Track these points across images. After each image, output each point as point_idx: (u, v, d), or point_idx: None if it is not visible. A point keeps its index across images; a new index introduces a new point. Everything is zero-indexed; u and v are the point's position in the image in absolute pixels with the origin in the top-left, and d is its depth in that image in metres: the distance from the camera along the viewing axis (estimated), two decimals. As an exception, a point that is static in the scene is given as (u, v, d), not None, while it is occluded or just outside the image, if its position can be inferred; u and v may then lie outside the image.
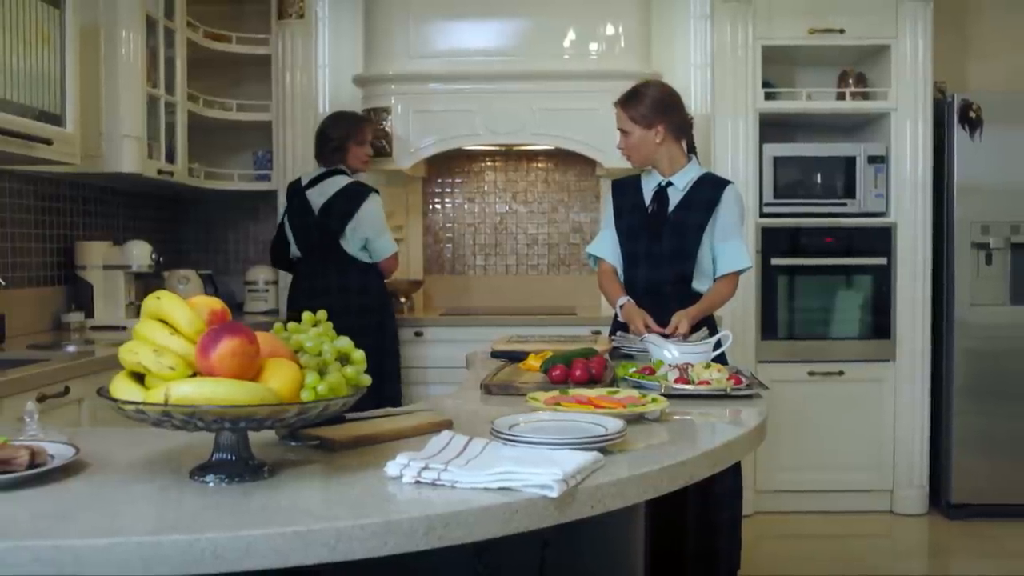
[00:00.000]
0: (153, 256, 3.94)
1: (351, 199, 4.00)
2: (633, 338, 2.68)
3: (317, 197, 4.05)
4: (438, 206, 5.09)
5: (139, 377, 1.25)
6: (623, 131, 3.04)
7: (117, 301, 3.88)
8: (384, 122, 4.44)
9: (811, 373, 4.43)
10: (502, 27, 4.49)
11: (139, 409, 1.16)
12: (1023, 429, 4.34)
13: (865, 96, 4.55)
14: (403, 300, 4.66)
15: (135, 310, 3.98)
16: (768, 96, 4.48)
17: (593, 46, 4.46)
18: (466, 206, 5.09)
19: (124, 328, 3.77)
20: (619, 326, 3.03)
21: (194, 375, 1.20)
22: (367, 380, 1.33)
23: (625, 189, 3.15)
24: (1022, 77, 4.75)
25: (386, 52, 4.50)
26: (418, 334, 4.38)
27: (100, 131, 3.58)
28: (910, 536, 4.27)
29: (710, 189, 3.03)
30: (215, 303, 1.30)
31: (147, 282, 4.14)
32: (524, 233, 5.10)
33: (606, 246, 3.12)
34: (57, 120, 3.12)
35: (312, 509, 1.15)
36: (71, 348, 3.22)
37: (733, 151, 4.46)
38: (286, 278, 4.60)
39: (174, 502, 1.17)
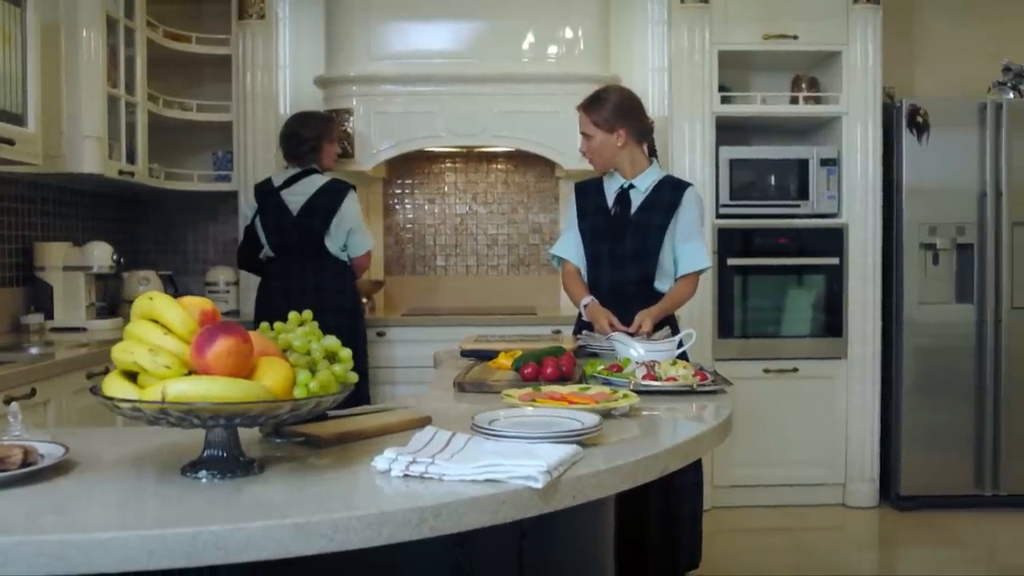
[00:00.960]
0: (114, 257, 3.92)
1: (333, 196, 4.01)
2: (599, 337, 2.75)
3: (293, 197, 4.04)
4: (399, 207, 5.12)
5: (131, 376, 1.27)
6: (585, 135, 3.10)
7: (78, 302, 3.85)
8: (346, 123, 4.46)
9: (766, 371, 4.54)
10: (463, 29, 4.53)
11: (136, 407, 1.19)
12: (969, 423, 4.49)
13: (817, 100, 4.67)
14: (365, 300, 4.68)
15: (95, 311, 3.96)
16: (724, 100, 4.58)
17: (553, 49, 4.52)
18: (426, 207, 5.13)
19: (85, 329, 3.76)
20: (583, 325, 3.09)
21: (189, 373, 1.23)
22: (354, 377, 1.37)
23: (587, 191, 3.22)
24: (967, 83, 4.90)
25: (347, 54, 4.52)
26: (380, 334, 4.41)
27: (61, 131, 3.55)
28: (861, 528, 4.39)
29: (671, 191, 3.11)
30: (205, 303, 1.33)
31: (107, 283, 4.12)
32: (484, 234, 5.15)
33: (569, 247, 3.18)
34: (19, 120, 3.10)
35: (306, 502, 1.19)
36: (33, 350, 3.20)
37: (690, 153, 4.55)
38: (247, 279, 4.61)
39: (169, 498, 1.20)
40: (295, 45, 4.82)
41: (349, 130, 4.47)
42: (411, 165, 5.03)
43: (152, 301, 1.28)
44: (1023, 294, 4.46)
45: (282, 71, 4.79)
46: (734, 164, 4.57)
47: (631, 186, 3.09)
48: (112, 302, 4.18)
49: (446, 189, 5.13)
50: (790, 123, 4.83)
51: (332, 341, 1.37)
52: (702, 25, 4.52)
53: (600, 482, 1.36)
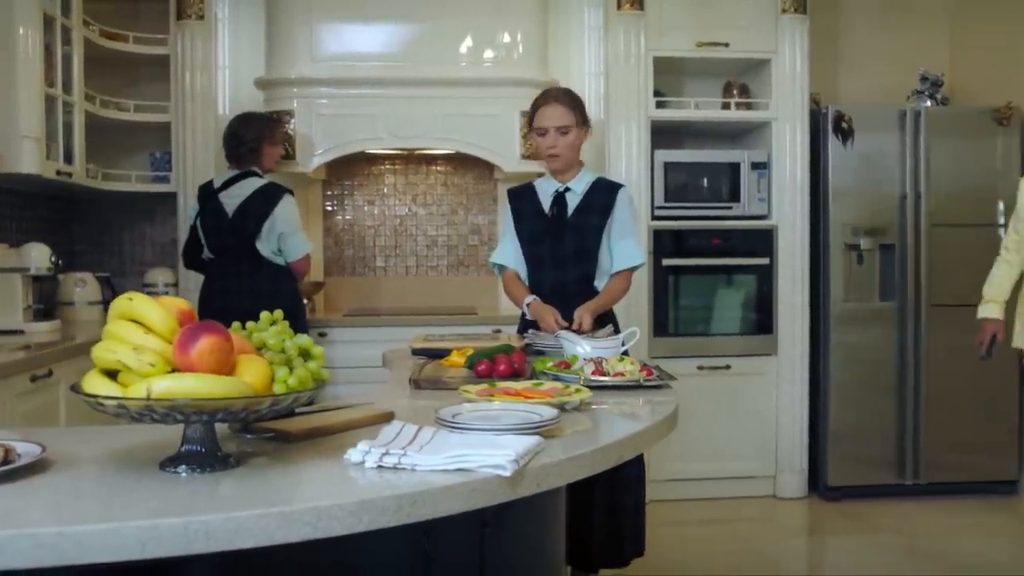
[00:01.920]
0: (52, 259, 3.88)
1: (267, 200, 4.00)
2: (545, 335, 2.83)
3: (230, 199, 4.04)
4: (339, 208, 5.14)
5: (111, 375, 1.31)
6: (562, 129, 3.11)
7: (15, 305, 3.78)
8: (286, 125, 4.48)
9: (700, 367, 4.68)
10: (403, 33, 4.58)
11: (121, 404, 1.23)
12: (891, 416, 4.69)
13: (748, 106, 4.83)
14: (306, 302, 4.69)
15: (32, 313, 3.90)
16: (659, 105, 4.71)
17: (493, 53, 4.60)
18: (366, 208, 5.16)
19: (23, 332, 3.70)
20: (528, 324, 3.16)
21: (172, 371, 1.27)
22: (327, 374, 1.43)
23: (522, 195, 3.28)
24: (888, 90, 5.12)
25: (288, 55, 4.54)
26: (322, 335, 4.43)
27: (-3, 131, 3.51)
28: (792, 517, 4.56)
29: (605, 193, 3.20)
30: (182, 303, 1.38)
31: (43, 285, 4.06)
32: (424, 235, 5.20)
33: (508, 254, 3.25)
34: (-43, 120, 3.06)
35: (286, 493, 1.24)
36: (-29, 353, 3.16)
37: (627, 156, 4.66)
38: (186, 281, 4.60)
39: (153, 491, 1.25)
40: (234, 46, 4.82)
41: (290, 132, 4.48)
42: (351, 167, 5.06)
43: (132, 301, 1.32)
44: (941, 292, 4.68)
45: (221, 72, 4.78)
46: (668, 167, 4.70)
47: (567, 189, 3.18)
48: (48, 304, 4.13)
49: (386, 191, 5.17)
50: (722, 128, 4.99)
51: (305, 339, 1.43)
52: (637, 32, 4.64)
53: (561, 471, 1.44)
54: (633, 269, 3.22)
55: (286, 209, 4.01)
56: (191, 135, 4.65)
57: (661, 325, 4.70)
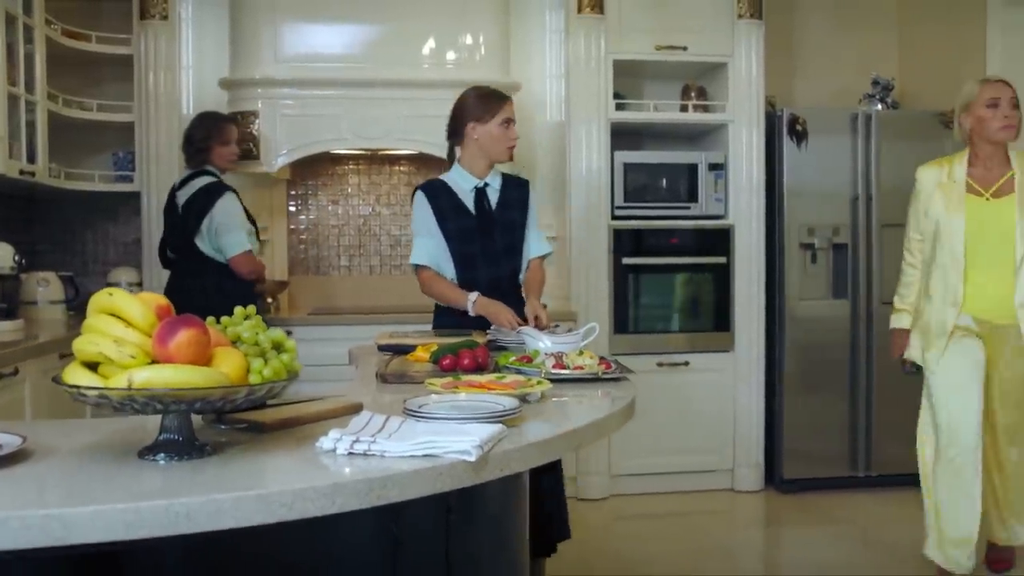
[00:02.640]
0: (15, 258, 3.88)
1: (208, 197, 4.02)
2: (507, 331, 2.90)
3: (181, 198, 4.09)
4: (302, 208, 5.18)
5: (91, 367, 1.36)
6: (513, 122, 3.21)
7: (-23, 304, 3.80)
8: (251, 125, 4.51)
9: (659, 364, 4.79)
10: (367, 34, 4.63)
11: (102, 394, 1.28)
12: (844, 411, 4.83)
13: (706, 108, 4.94)
14: (269, 301, 4.72)
15: (-5, 313, 3.90)
16: (619, 107, 4.81)
17: (455, 56, 4.66)
18: (330, 208, 5.20)
19: (-15, 331, 3.71)
20: (444, 320, 3.23)
21: (152, 363, 1.33)
22: (299, 366, 1.49)
23: (437, 192, 3.23)
24: (841, 94, 5.27)
25: (252, 56, 4.56)
26: (288, 333, 4.44)
27: (-39, 130, 3.51)
28: (749, 510, 4.68)
29: (517, 188, 3.31)
30: (160, 299, 1.43)
31: (6, 284, 4.06)
32: (387, 234, 5.25)
33: (431, 252, 3.19)
34: (-79, 119, 3.07)
35: (262, 478, 1.31)
36: (-66, 352, 3.17)
37: (587, 157, 4.75)
38: (150, 279, 4.63)
39: (133, 477, 1.30)
40: (198, 46, 4.84)
41: (254, 132, 4.51)
42: (315, 167, 5.09)
43: (112, 297, 1.38)
44: (892, 290, 4.79)
45: (185, 71, 4.80)
46: (628, 168, 4.80)
47: (486, 184, 3.23)
48: (11, 304, 4.12)
49: (349, 191, 5.21)
50: (680, 129, 5.10)
51: (277, 333, 1.49)
52: (598, 35, 4.73)
53: (523, 456, 1.52)
54: (545, 257, 3.34)
55: (224, 205, 4.00)
56: (155, 135, 4.66)
57: (621, 323, 4.79)
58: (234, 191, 4.10)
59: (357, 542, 1.56)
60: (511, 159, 3.28)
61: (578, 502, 4.63)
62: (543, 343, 2.49)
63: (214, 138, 4.10)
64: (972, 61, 4.87)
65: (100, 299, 1.39)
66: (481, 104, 3.19)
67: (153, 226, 4.64)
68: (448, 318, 3.20)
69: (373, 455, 1.40)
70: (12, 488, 1.25)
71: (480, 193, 3.21)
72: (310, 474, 1.31)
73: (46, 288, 4.38)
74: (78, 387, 1.29)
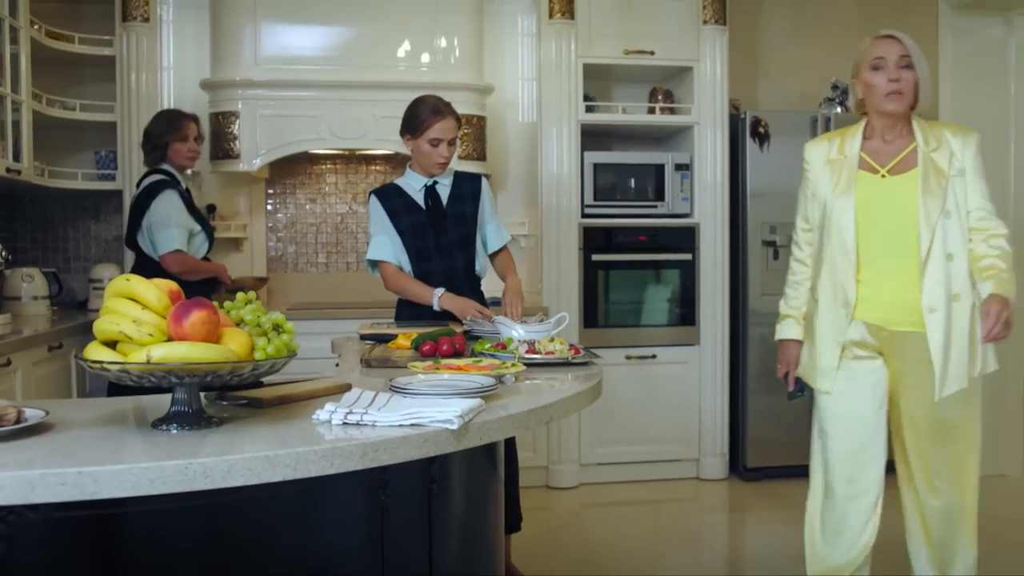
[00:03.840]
0: (3, 254, 3.99)
1: (148, 195, 4.00)
2: (482, 322, 3.06)
3: (133, 196, 4.14)
4: (281, 206, 5.30)
5: (110, 345, 1.50)
6: (451, 140, 3.37)
7: (-34, 298, 3.90)
8: (231, 126, 4.63)
9: (627, 357, 4.96)
10: (344, 37, 4.76)
11: (123, 369, 1.43)
12: (802, 406, 5.00)
13: (672, 111, 5.13)
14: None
15: (-19, 307, 4.01)
16: (588, 109, 4.98)
17: (430, 58, 4.80)
18: (308, 206, 5.33)
19: (-27, 323, 3.81)
20: (405, 313, 3.42)
21: (167, 340, 1.47)
22: (296, 346, 1.64)
23: (389, 194, 3.45)
24: (802, 97, 5.48)
25: (232, 58, 4.68)
26: (268, 327, 4.58)
27: (-51, 129, 3.61)
28: (714, 497, 4.87)
29: (469, 182, 3.50)
30: (171, 285, 1.58)
31: (-9, 279, 4.16)
32: (364, 232, 5.38)
33: (387, 249, 3.39)
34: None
35: (267, 444, 1.45)
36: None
37: (558, 157, 4.92)
38: (132, 275, 4.73)
39: (151, 443, 1.45)
40: (179, 47, 4.96)
41: (235, 132, 4.64)
42: (292, 166, 5.22)
43: (129, 282, 1.52)
44: (850, 286, 5.03)
45: (166, 72, 4.92)
46: (598, 168, 4.98)
47: (436, 182, 3.42)
48: (-2, 298, 4.23)
49: (327, 189, 5.34)
50: (648, 131, 5.28)
51: (277, 315, 1.64)
52: (568, 39, 4.90)
53: (500, 426, 1.68)
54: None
55: (159, 204, 3.96)
56: (137, 134, 4.73)
57: (591, 317, 4.96)
58: (177, 189, 4.03)
59: (350, 509, 1.71)
60: (438, 173, 3.42)
61: (549, 490, 4.81)
62: (516, 331, 2.65)
63: (171, 134, 4.07)
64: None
65: (118, 284, 1.54)
66: (413, 119, 3.38)
67: (135, 223, 4.74)
68: (410, 310, 3.39)
69: (365, 424, 1.55)
70: (43, 452, 1.39)
71: (430, 190, 3.41)
72: (310, 440, 1.47)
73: (31, 283, 4.49)
74: (101, 362, 1.44)
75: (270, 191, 5.28)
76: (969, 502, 2.80)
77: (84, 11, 4.93)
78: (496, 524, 2.21)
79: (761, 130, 4.95)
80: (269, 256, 5.24)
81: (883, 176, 2.71)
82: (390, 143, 4.84)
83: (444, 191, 3.42)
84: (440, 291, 3.27)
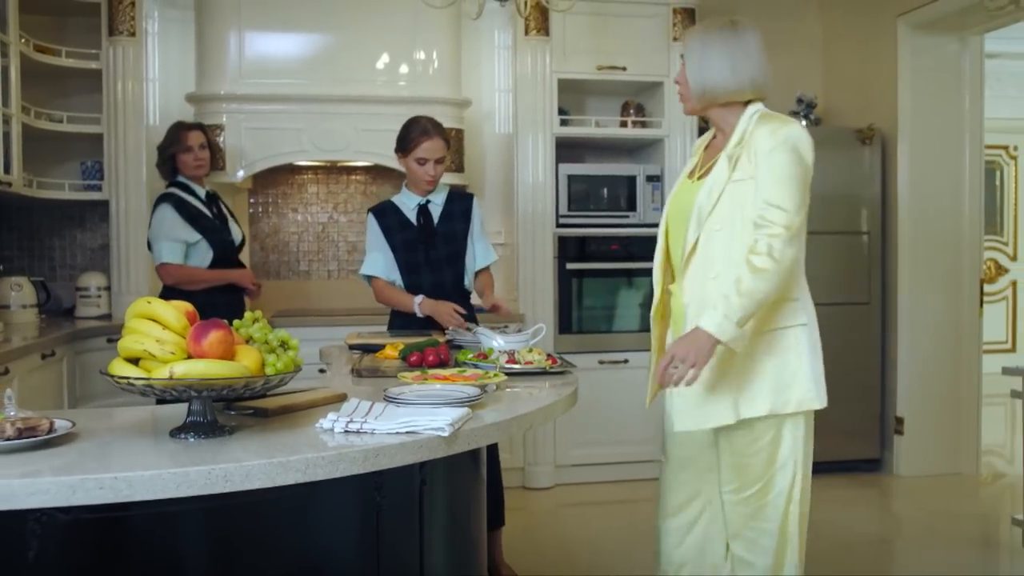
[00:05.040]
0: (-3, 265, 4.10)
1: (152, 210, 4.18)
2: (463, 333, 3.22)
3: None
4: (264, 215, 5.43)
5: (132, 362, 1.66)
6: (439, 160, 3.53)
7: (-40, 307, 4.00)
8: (216, 138, 4.76)
9: (600, 362, 5.14)
10: (327, 52, 4.90)
11: (148, 384, 1.58)
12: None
13: (643, 124, 5.32)
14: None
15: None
16: (563, 122, 5.16)
17: (410, 72, 4.96)
18: (290, 216, 5.46)
19: (-34, 332, 3.91)
20: (398, 323, 3.61)
21: (187, 358, 1.63)
22: (301, 360, 1.80)
23: (385, 212, 3.65)
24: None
25: (218, 72, 4.81)
26: (252, 334, 4.72)
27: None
28: (683, 496, 5.04)
29: (460, 201, 3.69)
30: (187, 306, 1.73)
31: (-19, 289, 4.27)
32: (345, 240, 5.53)
33: (379, 265, 3.61)
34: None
35: (278, 450, 1.60)
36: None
37: (533, 169, 5.09)
38: (119, 284, 4.85)
39: (172, 451, 1.60)
40: (164, 59, 5.08)
41: (220, 144, 4.76)
42: (275, 176, 5.35)
43: (151, 304, 1.67)
44: (814, 292, 5.19)
45: (151, 84, 5.03)
46: (572, 179, 5.16)
47: (428, 201, 3.61)
48: (-13, 307, 4.34)
49: (309, 199, 5.48)
50: (620, 143, 5.47)
51: (282, 332, 1.79)
52: (544, 55, 5.07)
53: (487, 433, 1.85)
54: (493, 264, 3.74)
55: (154, 217, 4.09)
56: (122, 145, 4.88)
57: (565, 323, 5.14)
58: (167, 199, 4.09)
59: (347, 509, 1.87)
60: (428, 190, 3.60)
61: (526, 491, 4.98)
62: (496, 342, 2.82)
63: (174, 147, 4.19)
64: (886, 80, 5.32)
65: (139, 306, 1.69)
66: (404, 138, 3.55)
67: (122, 232, 4.87)
68: (400, 319, 3.60)
69: (365, 432, 1.71)
70: (76, 459, 1.54)
71: (423, 208, 3.60)
72: (316, 446, 1.62)
73: (19, 292, 4.59)
74: (127, 378, 1.59)
75: (252, 200, 5.41)
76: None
77: (70, 25, 5.03)
78: (479, 520, 2.38)
79: (729, 143, 5.13)
80: (252, 264, 5.37)
81: (693, 181, 2.53)
82: (371, 155, 5.00)
83: (436, 210, 3.61)
84: (419, 298, 3.48)
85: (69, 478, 1.40)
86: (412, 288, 3.54)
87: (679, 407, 2.44)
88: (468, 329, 3.18)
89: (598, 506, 4.85)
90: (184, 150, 4.19)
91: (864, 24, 5.55)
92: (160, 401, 1.82)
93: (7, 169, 4.30)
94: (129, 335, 1.66)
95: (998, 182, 8.44)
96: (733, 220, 2.32)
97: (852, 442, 5.33)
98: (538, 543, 4.17)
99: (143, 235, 4.91)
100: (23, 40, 4.56)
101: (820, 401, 2.47)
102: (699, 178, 2.48)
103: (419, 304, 3.47)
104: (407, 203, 3.63)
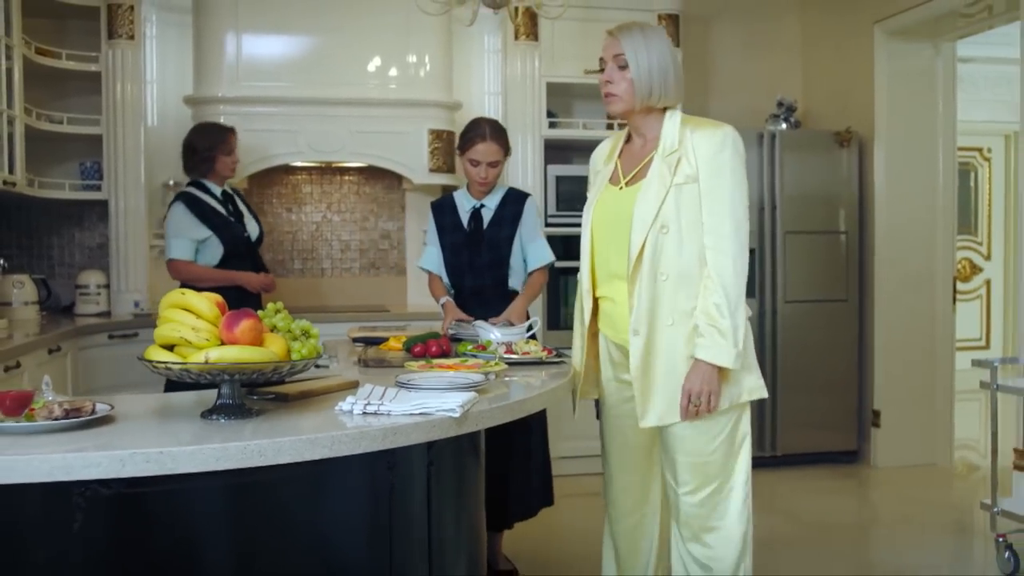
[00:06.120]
0: (1, 262, 4.20)
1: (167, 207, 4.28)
2: (465, 326, 3.35)
3: None
4: (259, 215, 5.53)
5: (167, 348, 1.79)
6: (492, 163, 3.60)
7: (-33, 304, 4.11)
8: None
9: (589, 357, 5.28)
10: (322, 56, 5.02)
11: (185, 368, 1.72)
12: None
13: (629, 126, 5.46)
14: (230, 301, 5.09)
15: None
16: (551, 125, 5.32)
17: (403, 76, 5.10)
18: (284, 215, 5.59)
19: (-25, 330, 4.03)
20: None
21: (220, 345, 1.77)
22: (321, 348, 1.94)
23: (443, 210, 3.76)
24: (751, 114, 5.86)
25: (215, 75, 4.93)
26: (250, 331, 4.85)
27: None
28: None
29: (514, 204, 3.74)
30: (217, 297, 1.87)
31: (-16, 286, 4.38)
32: (338, 239, 5.66)
33: (432, 260, 3.76)
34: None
35: (304, 429, 1.74)
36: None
37: (523, 170, 5.24)
38: (117, 281, 4.98)
39: (206, 430, 1.73)
40: (161, 61, 5.21)
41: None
42: (270, 176, 5.47)
43: (184, 295, 1.81)
44: (794, 290, 5.42)
45: (150, 86, 5.16)
46: (560, 180, 5.31)
47: (482, 205, 3.71)
48: (-8, 305, 4.45)
49: (303, 199, 5.61)
50: (607, 145, 5.61)
51: (304, 322, 1.94)
52: (533, 59, 5.23)
53: (491, 415, 2.00)
54: (547, 266, 3.76)
55: (171, 213, 4.16)
56: (121, 146, 5.01)
57: (554, 320, 5.29)
58: (183, 197, 4.17)
59: (362, 487, 2.01)
60: (481, 192, 3.69)
61: (516, 482, 5.11)
62: (494, 334, 2.96)
63: (218, 148, 4.23)
64: (863, 84, 5.51)
65: (174, 297, 1.83)
66: (463, 137, 3.67)
67: (120, 231, 5.00)
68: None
69: (382, 414, 1.85)
70: (119, 438, 1.68)
71: (475, 213, 3.70)
72: (339, 426, 1.77)
73: (21, 289, 4.70)
74: (165, 363, 1.72)
75: (249, 200, 5.51)
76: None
77: (69, 28, 5.14)
78: (478, 500, 2.52)
79: (712, 145, 5.30)
80: (248, 262, 5.48)
81: (621, 188, 2.55)
82: (364, 156, 5.14)
83: (488, 214, 3.67)
84: (444, 300, 3.63)
85: (119, 452, 1.53)
86: (457, 288, 3.68)
87: (656, 404, 2.45)
88: (468, 323, 3.31)
89: (587, 496, 4.97)
90: (227, 152, 4.25)
91: (842, 30, 5.74)
92: (185, 387, 1.95)
93: (11, 169, 4.41)
94: (165, 323, 1.79)
95: (973, 183, 8.64)
96: (679, 223, 2.38)
97: (831, 434, 5.51)
98: (536, 534, 4.31)
99: (142, 234, 5.06)
100: (25, 43, 4.67)
101: (764, 390, 2.56)
102: (628, 185, 2.52)
103: (443, 305, 3.61)
104: (464, 204, 3.72)
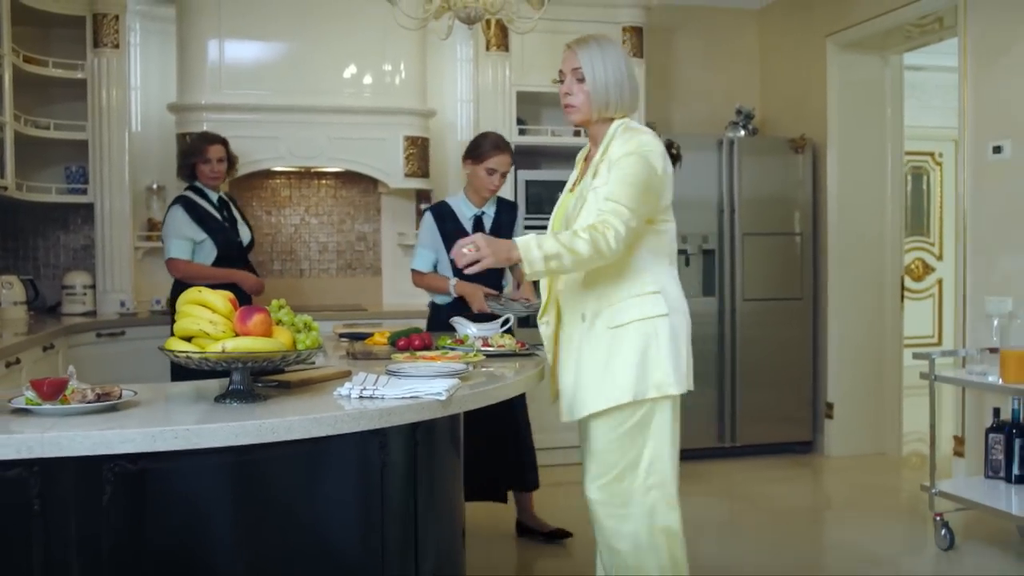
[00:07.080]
0: (-7, 263, 4.38)
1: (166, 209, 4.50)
2: (466, 324, 3.55)
3: None
4: (239, 217, 5.74)
5: (184, 339, 2.02)
6: (504, 174, 3.92)
7: (-39, 304, 4.28)
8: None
9: (557, 353, 5.53)
10: (302, 65, 5.24)
11: (204, 357, 1.94)
12: (713, 392, 5.68)
13: (595, 133, 5.73)
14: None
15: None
16: (521, 132, 5.56)
17: (379, 85, 5.33)
18: (264, 217, 5.78)
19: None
20: (437, 320, 3.94)
21: (235, 336, 1.99)
22: (321, 340, 2.17)
23: (443, 215, 4.01)
24: (711, 121, 6.15)
25: (198, 83, 5.13)
26: (233, 329, 5.05)
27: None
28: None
29: (507, 212, 4.07)
30: (230, 295, 2.09)
31: (-25, 287, 4.54)
32: (316, 241, 5.87)
33: (428, 262, 4.01)
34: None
35: (310, 411, 1.97)
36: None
37: (494, 175, 5.48)
38: (103, 282, 5.15)
39: (222, 412, 1.95)
40: (145, 69, 5.40)
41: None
42: (250, 180, 5.66)
43: (201, 293, 2.03)
44: (751, 288, 5.71)
45: (134, 92, 5.35)
46: (529, 184, 5.56)
47: (483, 213, 3.99)
48: (-22, 304, 4.60)
49: (281, 202, 5.81)
50: (573, 151, 5.80)
51: (305, 317, 2.17)
52: (504, 69, 5.47)
53: (473, 399, 2.24)
54: None
55: (169, 215, 4.38)
56: (106, 151, 5.20)
57: (527, 318, 5.51)
58: (180, 201, 4.39)
59: (355, 463, 2.24)
60: (486, 199, 3.99)
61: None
62: (471, 329, 3.20)
63: (195, 156, 4.43)
64: (816, 93, 5.81)
65: (191, 294, 2.05)
66: (477, 148, 3.94)
67: (106, 233, 5.18)
68: (438, 319, 3.91)
69: (377, 398, 2.09)
70: (146, 418, 1.90)
71: (477, 221, 3.97)
72: (339, 408, 2.00)
73: (9, 290, 4.85)
74: (186, 352, 1.95)
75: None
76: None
77: (54, 36, 5.31)
78: (457, 479, 2.77)
79: (674, 151, 5.49)
80: (229, 263, 5.67)
81: (571, 191, 2.75)
82: (342, 161, 5.36)
83: (488, 221, 3.97)
84: (454, 280, 3.87)
85: (151, 429, 1.76)
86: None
87: (562, 399, 2.63)
88: (496, 296, 3.64)
89: (568, 486, 5.22)
90: (203, 161, 4.43)
91: (797, 43, 6.04)
92: (200, 375, 2.17)
93: (1, 174, 4.58)
94: (185, 318, 2.01)
95: (925, 186, 9.00)
96: (585, 223, 2.49)
97: (786, 426, 5.81)
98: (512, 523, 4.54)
99: (127, 236, 5.25)
100: (13, 51, 4.83)
101: (679, 386, 2.59)
102: (572, 190, 2.72)
103: (454, 286, 3.85)
104: (464, 212, 3.98)
